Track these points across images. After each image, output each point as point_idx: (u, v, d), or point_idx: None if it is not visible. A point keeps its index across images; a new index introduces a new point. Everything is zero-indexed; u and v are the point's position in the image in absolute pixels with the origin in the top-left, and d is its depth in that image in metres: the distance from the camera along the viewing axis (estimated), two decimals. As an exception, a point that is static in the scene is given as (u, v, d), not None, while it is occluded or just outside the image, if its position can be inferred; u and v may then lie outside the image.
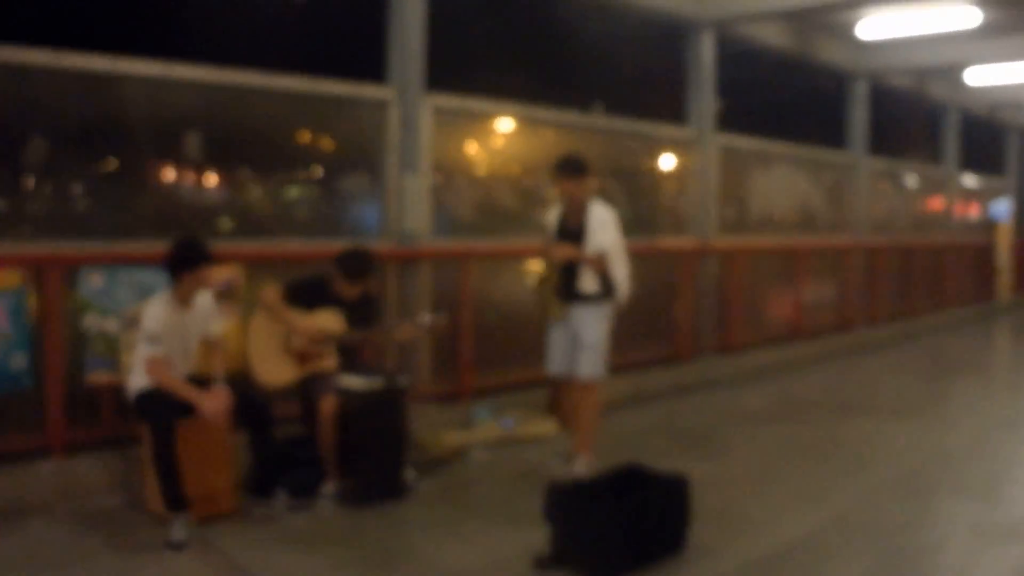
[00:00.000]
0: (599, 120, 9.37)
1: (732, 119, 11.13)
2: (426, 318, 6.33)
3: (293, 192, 7.56)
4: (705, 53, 9.94)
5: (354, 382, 5.74)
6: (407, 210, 7.38)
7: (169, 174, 6.67)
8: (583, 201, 6.39)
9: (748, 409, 8.58)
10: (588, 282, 6.32)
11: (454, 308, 7.73)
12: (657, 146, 10.07)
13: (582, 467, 6.35)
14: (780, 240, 11.61)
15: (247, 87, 6.65)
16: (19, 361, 5.63)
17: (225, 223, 6.86)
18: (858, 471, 6.53)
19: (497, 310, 8.16)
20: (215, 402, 5.18)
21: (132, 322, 5.64)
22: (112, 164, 6.45)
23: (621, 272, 6.36)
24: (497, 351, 8.09)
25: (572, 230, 6.37)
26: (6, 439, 5.72)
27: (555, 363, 6.55)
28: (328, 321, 6.03)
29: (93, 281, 5.85)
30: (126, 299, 5.89)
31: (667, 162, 10.14)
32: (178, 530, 4.97)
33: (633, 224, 9.69)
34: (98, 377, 5.86)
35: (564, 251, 6.28)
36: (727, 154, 10.58)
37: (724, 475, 6.41)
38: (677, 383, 9.41)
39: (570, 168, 6.35)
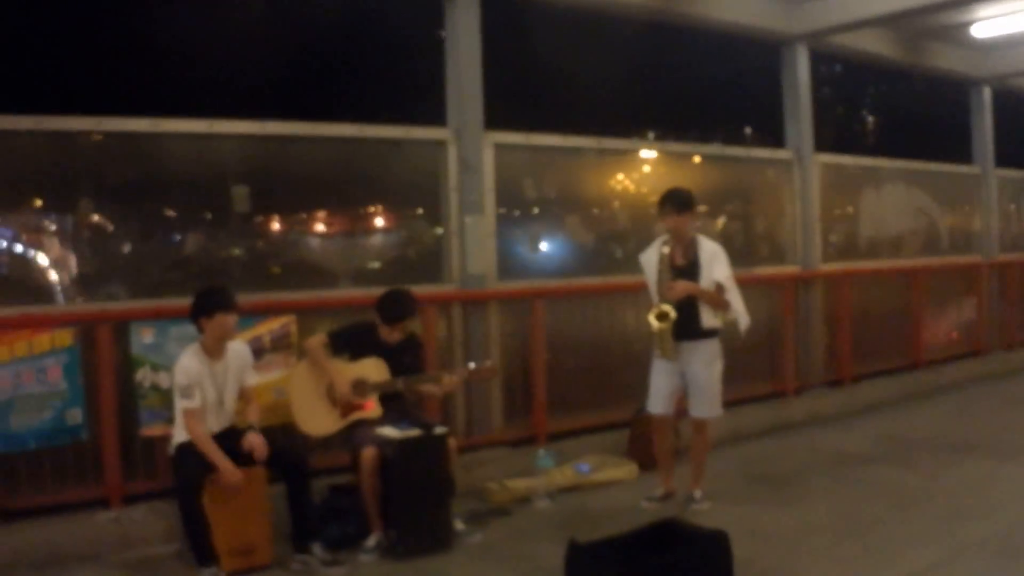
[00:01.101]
0: (684, 147, 8.97)
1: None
2: (470, 365, 6.14)
3: (348, 238, 7.49)
4: (800, 69, 9.37)
5: (390, 432, 5.59)
6: (470, 251, 7.20)
7: (221, 228, 6.71)
8: (690, 236, 6.19)
9: (848, 449, 7.90)
10: (708, 318, 6.20)
11: (525, 350, 7.52)
12: (753, 171, 9.57)
13: (702, 501, 6.34)
14: (895, 263, 10.78)
15: (295, 137, 6.68)
16: (75, 415, 5.77)
17: (277, 271, 6.86)
18: (952, 523, 5.80)
19: (572, 351, 7.87)
20: (236, 476, 5.16)
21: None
22: (162, 222, 6.55)
23: (739, 304, 6.27)
24: (573, 394, 7.78)
25: (682, 266, 6.19)
26: (66, 490, 5.86)
27: (660, 404, 6.41)
28: (372, 368, 5.91)
29: (144, 336, 5.92)
30: (176, 353, 5.89)
31: (764, 187, 9.61)
32: (204, 584, 4.93)
33: (730, 254, 9.24)
34: (152, 429, 5.91)
35: (686, 287, 6.07)
36: (831, 175, 9.95)
37: (797, 525, 5.89)
38: (779, 421, 8.84)
39: (677, 202, 6.18)
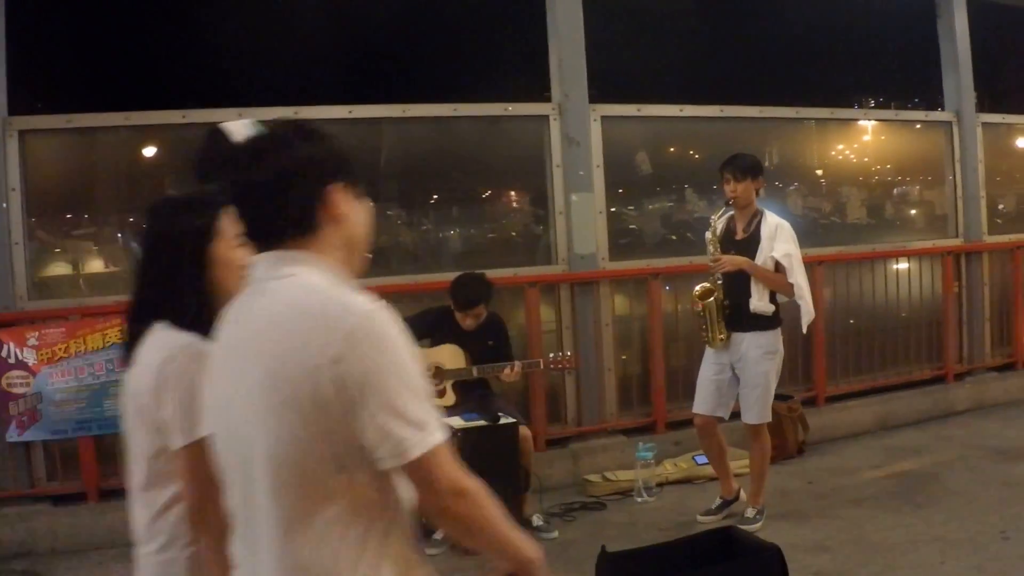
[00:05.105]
0: (822, 111, 8.23)
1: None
2: (550, 356, 5.89)
3: (445, 220, 7.33)
4: (958, 18, 8.39)
5: (455, 421, 5.40)
6: (577, 230, 6.89)
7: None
8: (753, 208, 5.62)
9: (1006, 443, 7.06)
10: (759, 301, 5.51)
11: (642, 333, 7.17)
12: (904, 135, 8.74)
13: (752, 520, 5.61)
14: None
15: (384, 120, 6.63)
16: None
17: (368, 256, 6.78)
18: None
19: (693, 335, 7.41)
20: None
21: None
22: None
23: (806, 292, 5.52)
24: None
25: (740, 241, 5.61)
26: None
27: (701, 402, 5.78)
28: (447, 355, 5.75)
29: (233, 322, 5.99)
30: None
31: (919, 152, 8.76)
32: None
33: (881, 227, 8.56)
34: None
35: (732, 260, 5.51)
36: (997, 137, 8.93)
37: (912, 532, 5.30)
38: (937, 409, 8.07)
39: (736, 167, 5.55)
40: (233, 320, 1.88)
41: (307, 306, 1.74)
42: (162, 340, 2.18)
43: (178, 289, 2.22)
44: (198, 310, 2.20)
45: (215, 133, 2.74)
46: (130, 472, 2.30)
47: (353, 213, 1.89)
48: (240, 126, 2.74)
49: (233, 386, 1.80)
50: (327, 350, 1.67)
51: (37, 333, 5.73)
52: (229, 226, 2.21)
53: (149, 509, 2.22)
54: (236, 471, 1.82)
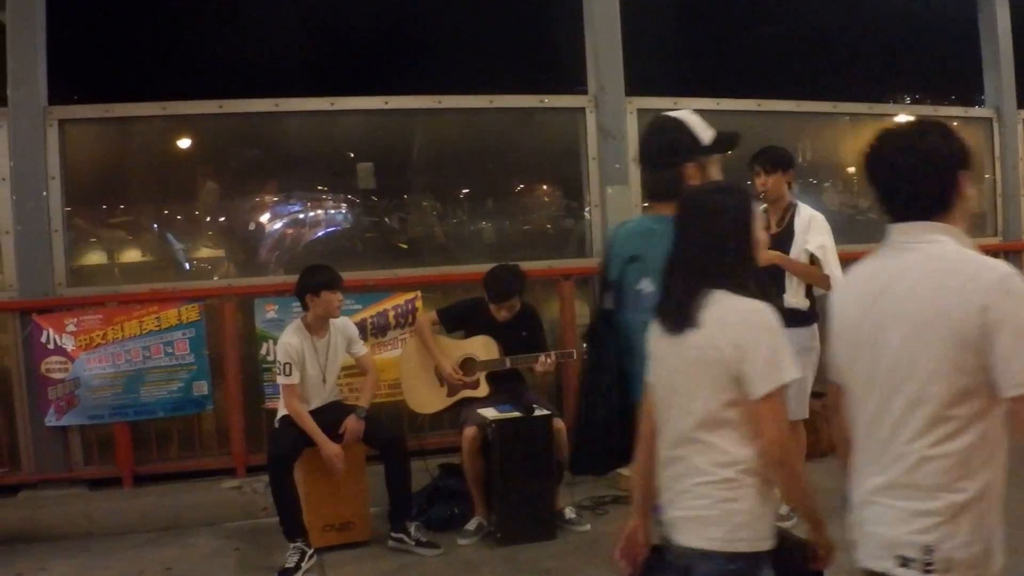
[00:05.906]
0: (859, 107, 8.16)
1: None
2: (583, 347, 5.85)
3: (480, 212, 7.34)
4: (999, 14, 8.29)
5: (490, 412, 5.41)
6: (611, 223, 6.84)
7: (346, 205, 6.76)
8: (787, 201, 5.56)
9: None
10: (794, 296, 5.41)
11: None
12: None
13: (785, 517, 5.50)
14: None
15: (419, 111, 6.62)
16: (201, 387, 6.02)
17: (404, 247, 6.83)
18: None
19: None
20: (333, 450, 5.15)
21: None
22: (286, 201, 6.68)
23: (839, 276, 5.41)
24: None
25: (774, 235, 5.53)
26: (192, 458, 6.19)
27: None
28: (480, 346, 5.75)
29: (267, 311, 6.04)
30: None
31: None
32: (290, 557, 5.00)
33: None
34: (276, 402, 5.99)
35: (769, 255, 5.42)
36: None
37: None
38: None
39: (767, 160, 5.43)
40: (875, 271, 2.35)
41: (956, 264, 2.16)
42: (732, 304, 2.52)
43: (731, 260, 2.58)
44: (745, 278, 2.57)
45: (669, 124, 3.13)
46: (674, 421, 2.62)
47: (972, 195, 2.31)
48: (688, 115, 3.01)
49: (878, 324, 2.25)
50: (976, 299, 2.07)
51: (75, 319, 5.81)
52: (758, 209, 2.69)
53: (718, 449, 2.55)
54: (874, 395, 2.25)
